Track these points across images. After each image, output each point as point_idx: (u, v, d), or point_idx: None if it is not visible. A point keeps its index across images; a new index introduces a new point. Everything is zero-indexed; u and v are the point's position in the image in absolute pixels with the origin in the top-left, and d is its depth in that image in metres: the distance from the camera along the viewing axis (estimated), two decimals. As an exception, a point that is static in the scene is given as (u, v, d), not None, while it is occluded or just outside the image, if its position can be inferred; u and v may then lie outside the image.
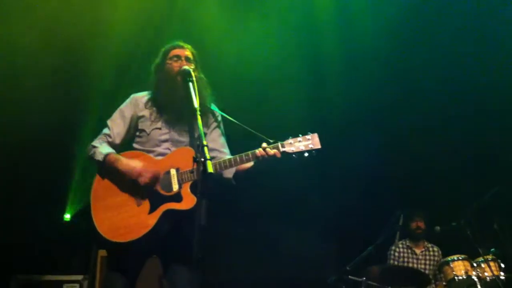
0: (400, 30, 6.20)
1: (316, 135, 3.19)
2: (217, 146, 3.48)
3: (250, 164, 3.29)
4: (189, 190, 3.16)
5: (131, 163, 3.25)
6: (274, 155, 3.15)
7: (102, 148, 3.36)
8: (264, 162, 3.18)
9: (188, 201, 3.13)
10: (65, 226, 6.38)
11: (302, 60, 6.43)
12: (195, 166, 2.95)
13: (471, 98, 6.51)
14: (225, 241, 6.40)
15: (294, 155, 3.17)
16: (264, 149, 3.16)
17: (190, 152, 3.22)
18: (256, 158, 3.17)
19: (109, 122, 3.52)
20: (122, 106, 3.56)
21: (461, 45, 6.24)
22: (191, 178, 3.16)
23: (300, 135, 3.19)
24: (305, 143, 3.16)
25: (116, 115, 3.53)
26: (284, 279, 6.73)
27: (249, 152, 3.20)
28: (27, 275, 5.51)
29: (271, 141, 3.21)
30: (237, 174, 3.38)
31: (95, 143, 3.43)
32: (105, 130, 3.50)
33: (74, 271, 5.78)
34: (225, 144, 3.55)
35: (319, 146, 3.16)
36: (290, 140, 3.19)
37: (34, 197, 6.25)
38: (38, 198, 6.26)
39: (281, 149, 3.17)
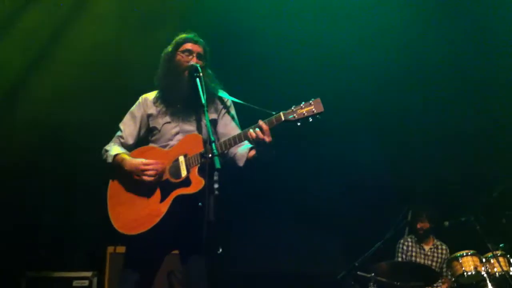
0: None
1: (318, 99, 3.09)
2: (229, 130, 3.49)
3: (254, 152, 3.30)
4: (197, 173, 3.17)
5: (133, 162, 3.29)
6: (268, 130, 3.07)
7: (112, 150, 3.45)
8: (262, 143, 3.10)
9: (197, 184, 3.13)
10: (73, 223, 6.40)
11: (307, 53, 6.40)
12: (201, 150, 3.03)
13: (480, 93, 6.48)
14: (232, 236, 6.40)
15: (298, 123, 3.09)
16: (258, 126, 3.09)
17: (197, 137, 3.25)
18: (249, 139, 3.12)
19: (121, 125, 3.63)
20: (132, 108, 3.66)
21: (463, 35, 6.22)
22: (198, 161, 3.16)
23: (303, 102, 3.11)
24: (308, 108, 3.07)
25: (127, 117, 3.64)
26: (293, 275, 6.71)
27: (241, 132, 3.19)
28: (37, 272, 5.54)
29: (274, 113, 3.14)
30: (247, 162, 3.37)
31: (108, 146, 3.54)
32: (118, 133, 3.62)
33: (84, 268, 5.80)
34: (237, 127, 3.55)
35: (322, 110, 3.06)
36: (293, 108, 3.11)
37: (41, 194, 6.27)
38: (45, 195, 6.29)
39: (283, 118, 3.09)
